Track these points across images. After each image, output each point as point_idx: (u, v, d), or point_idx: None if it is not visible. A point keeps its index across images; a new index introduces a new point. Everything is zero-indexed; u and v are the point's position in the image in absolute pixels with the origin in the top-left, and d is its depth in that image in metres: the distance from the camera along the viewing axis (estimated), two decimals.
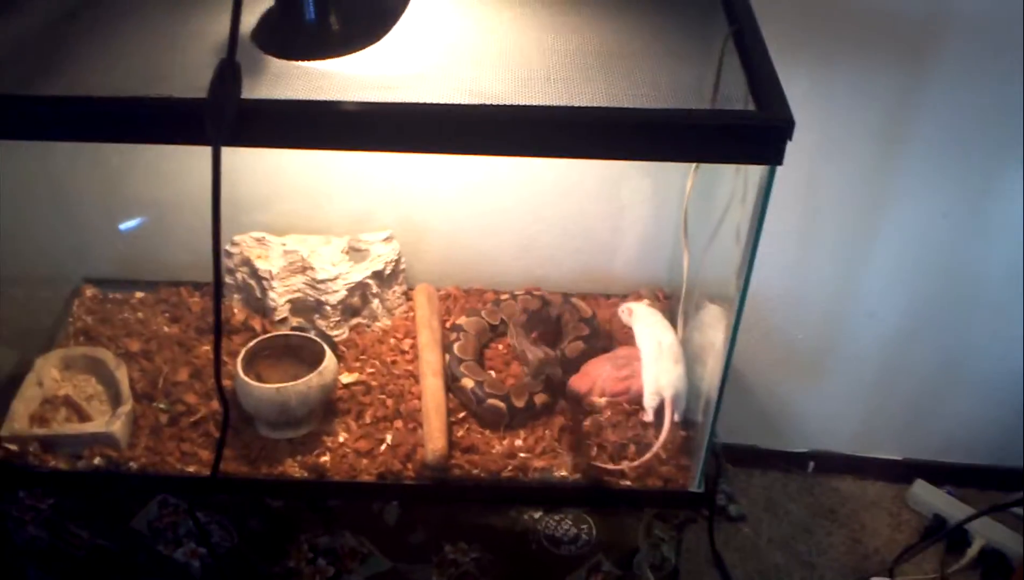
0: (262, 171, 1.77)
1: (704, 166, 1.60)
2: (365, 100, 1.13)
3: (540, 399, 1.63)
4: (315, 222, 1.83)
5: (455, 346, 1.70)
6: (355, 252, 1.78)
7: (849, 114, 1.69)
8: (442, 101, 1.13)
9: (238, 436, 1.58)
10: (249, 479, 1.54)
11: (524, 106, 1.13)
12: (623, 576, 1.59)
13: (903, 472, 2.22)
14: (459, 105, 1.13)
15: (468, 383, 1.63)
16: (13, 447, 1.54)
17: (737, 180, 1.39)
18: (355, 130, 1.13)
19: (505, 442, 1.59)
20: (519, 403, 1.61)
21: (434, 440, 1.54)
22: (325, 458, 1.56)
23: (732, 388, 1.46)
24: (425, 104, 1.12)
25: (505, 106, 1.13)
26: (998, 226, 1.83)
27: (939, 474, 2.20)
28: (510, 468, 1.55)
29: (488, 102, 1.14)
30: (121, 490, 1.57)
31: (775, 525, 2.13)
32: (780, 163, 1.14)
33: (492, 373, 1.69)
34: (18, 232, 1.72)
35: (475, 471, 1.54)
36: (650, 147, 1.14)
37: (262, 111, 1.12)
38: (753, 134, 1.12)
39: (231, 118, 1.09)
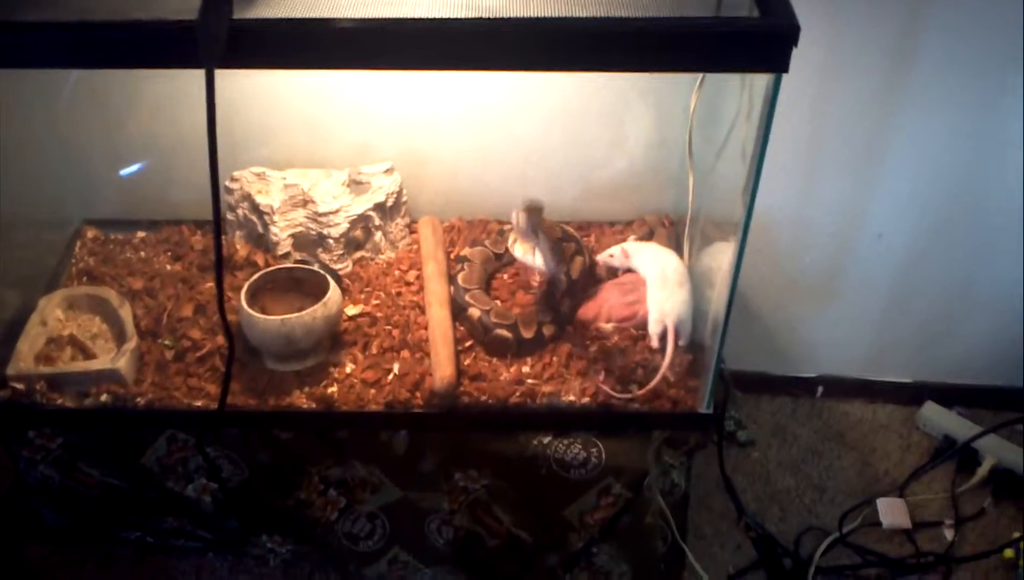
0: (259, 105, 1.75)
1: (708, 84, 1.57)
2: (360, 16, 1.11)
3: (548, 330, 1.62)
4: (315, 156, 1.81)
5: (460, 276, 1.69)
6: (356, 185, 1.76)
7: (857, 30, 1.65)
8: (439, 16, 1.11)
9: (244, 369, 1.58)
10: (257, 412, 1.54)
11: (523, 18, 1.11)
12: (633, 499, 1.60)
13: (913, 395, 2.21)
14: (457, 19, 1.11)
15: (475, 312, 1.63)
16: (20, 386, 1.54)
17: (742, 95, 1.37)
18: (351, 48, 1.11)
19: (512, 369, 1.59)
20: (527, 334, 1.60)
21: (442, 368, 1.53)
22: (332, 389, 1.55)
23: (739, 314, 1.45)
24: (422, 19, 1.10)
25: (504, 19, 1.11)
26: (1009, 144, 1.79)
27: (949, 396, 2.19)
28: (518, 394, 1.55)
29: (486, 15, 1.12)
30: (129, 426, 1.58)
31: (784, 450, 2.13)
32: (786, 70, 1.12)
33: (498, 302, 1.68)
34: (18, 174, 1.71)
35: (483, 398, 1.54)
36: (653, 57, 1.12)
37: (254, 31, 1.10)
38: (757, 40, 1.10)
39: (223, 39, 1.07)
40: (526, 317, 1.62)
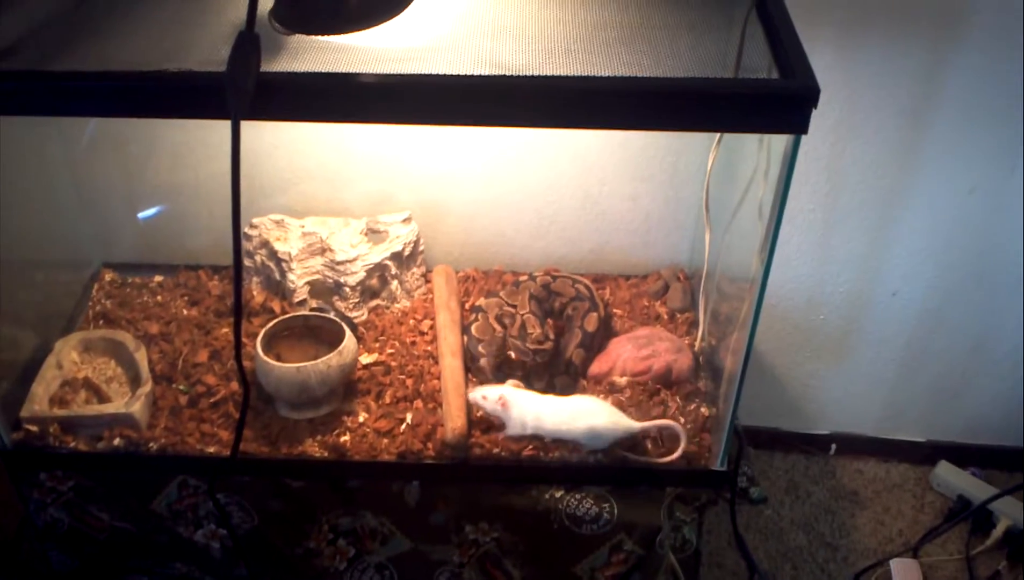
0: (280, 155, 1.77)
1: (725, 142, 1.58)
2: (384, 72, 1.12)
3: (561, 382, 1.62)
4: (334, 204, 1.82)
5: (473, 327, 1.69)
6: (374, 234, 1.77)
7: (874, 89, 1.67)
8: (462, 72, 1.12)
9: (258, 417, 1.58)
10: (269, 459, 1.54)
11: (545, 76, 1.13)
12: (646, 556, 1.58)
13: (927, 454, 2.20)
14: (479, 76, 1.13)
15: (487, 364, 1.63)
16: (33, 428, 1.54)
17: (760, 154, 1.37)
18: (375, 102, 1.13)
19: None
20: (539, 385, 1.60)
21: (453, 419, 1.53)
22: (345, 438, 1.55)
23: (753, 370, 1.45)
24: (445, 75, 1.12)
25: (526, 77, 1.12)
26: None
27: (964, 456, 2.18)
28: (530, 447, 1.54)
29: (508, 73, 1.13)
30: (141, 471, 1.57)
31: (797, 507, 2.12)
32: (805, 132, 1.12)
33: (512, 354, 1.68)
34: (38, 216, 1.73)
35: (495, 451, 1.53)
36: (673, 116, 1.13)
37: (281, 84, 1.12)
38: (778, 102, 1.11)
39: (250, 91, 1.08)
40: (538, 369, 1.62)
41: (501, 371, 1.63)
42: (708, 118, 1.15)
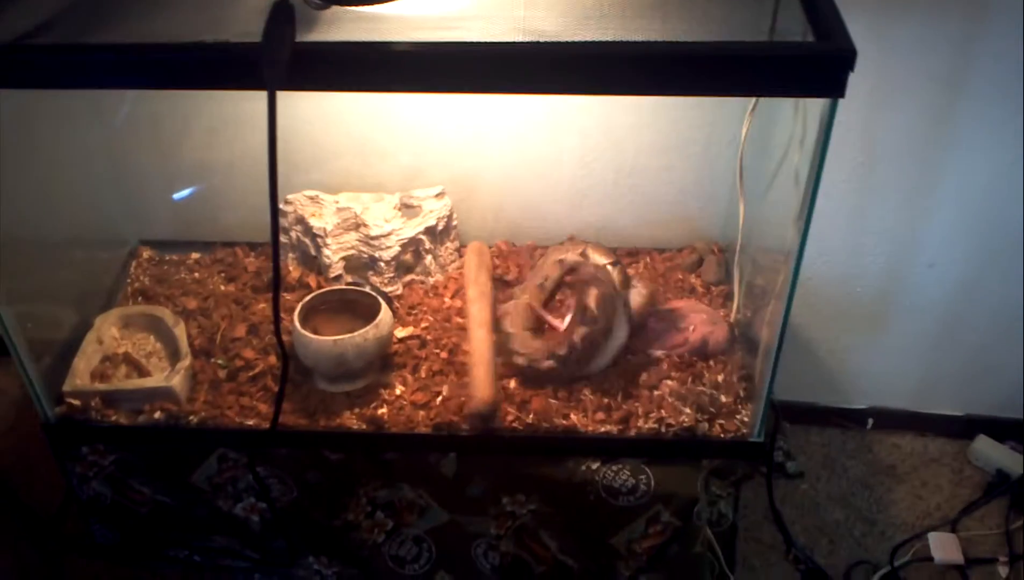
0: (313, 129, 1.77)
1: (759, 111, 1.57)
2: (418, 40, 1.12)
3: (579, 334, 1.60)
4: (367, 179, 1.83)
5: (506, 321, 1.68)
6: (407, 209, 1.78)
7: (909, 56, 1.65)
8: (497, 40, 1.12)
9: (296, 390, 1.59)
10: (308, 432, 1.55)
11: (581, 42, 1.12)
12: (682, 528, 1.58)
13: (965, 428, 2.17)
14: (515, 43, 1.12)
15: (520, 360, 1.63)
16: (76, 402, 1.56)
17: (796, 122, 1.36)
18: (409, 71, 1.13)
19: (561, 391, 1.58)
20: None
21: (480, 389, 1.53)
22: (382, 410, 1.56)
23: (788, 343, 1.44)
24: (479, 43, 1.12)
25: (561, 43, 1.12)
26: None
27: (1002, 430, 2.15)
28: (564, 418, 1.54)
29: (542, 39, 1.13)
30: (181, 444, 1.59)
31: (834, 482, 2.11)
32: (842, 95, 1.12)
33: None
34: (76, 195, 1.75)
35: (531, 421, 1.54)
36: (709, 82, 1.13)
37: (316, 54, 1.12)
38: (814, 65, 1.10)
39: (286, 61, 1.09)
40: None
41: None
42: (744, 82, 1.14)
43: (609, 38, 1.14)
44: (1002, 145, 1.75)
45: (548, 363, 1.59)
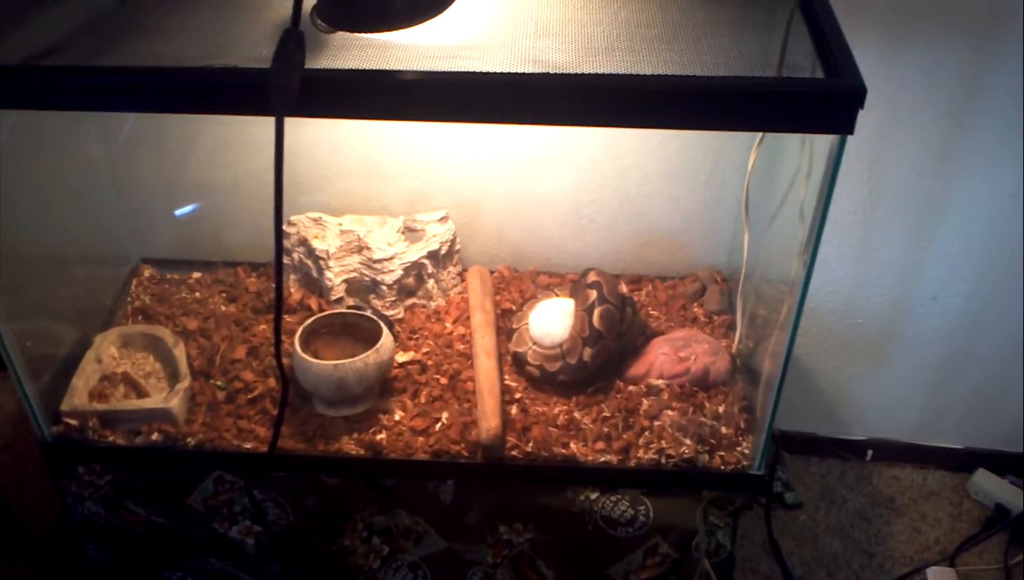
0: (317, 153, 1.78)
1: (766, 143, 1.57)
2: (427, 69, 1.12)
3: (587, 354, 1.61)
4: (371, 202, 1.83)
5: (515, 335, 1.68)
6: (411, 232, 1.78)
7: (917, 89, 1.65)
8: (505, 70, 1.12)
9: (295, 413, 1.58)
10: (306, 456, 1.54)
11: (589, 75, 1.12)
12: (681, 560, 1.57)
13: (965, 461, 2.17)
14: (523, 74, 1.12)
15: (534, 371, 1.63)
16: (73, 422, 1.55)
17: (802, 155, 1.36)
18: (418, 100, 1.13)
19: (560, 419, 1.57)
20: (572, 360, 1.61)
21: (488, 419, 1.53)
22: (381, 436, 1.55)
23: (789, 373, 1.43)
24: (488, 73, 1.11)
25: (568, 75, 1.12)
26: None
27: (1002, 464, 2.15)
28: (563, 446, 1.53)
29: (551, 71, 1.13)
30: (178, 466, 1.58)
31: (832, 513, 2.10)
32: (851, 132, 1.11)
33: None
34: (78, 212, 1.75)
35: (530, 450, 1.53)
36: (717, 116, 1.12)
37: (325, 81, 1.12)
38: (824, 101, 1.10)
39: (295, 88, 1.09)
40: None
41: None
42: (753, 117, 1.14)
43: (617, 71, 1.13)
44: (1006, 179, 1.76)
45: (562, 377, 1.62)
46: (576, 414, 1.59)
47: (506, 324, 1.75)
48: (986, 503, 2.12)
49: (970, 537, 2.05)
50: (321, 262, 1.73)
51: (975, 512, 2.12)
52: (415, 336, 1.73)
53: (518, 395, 1.63)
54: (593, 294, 1.61)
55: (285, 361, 1.55)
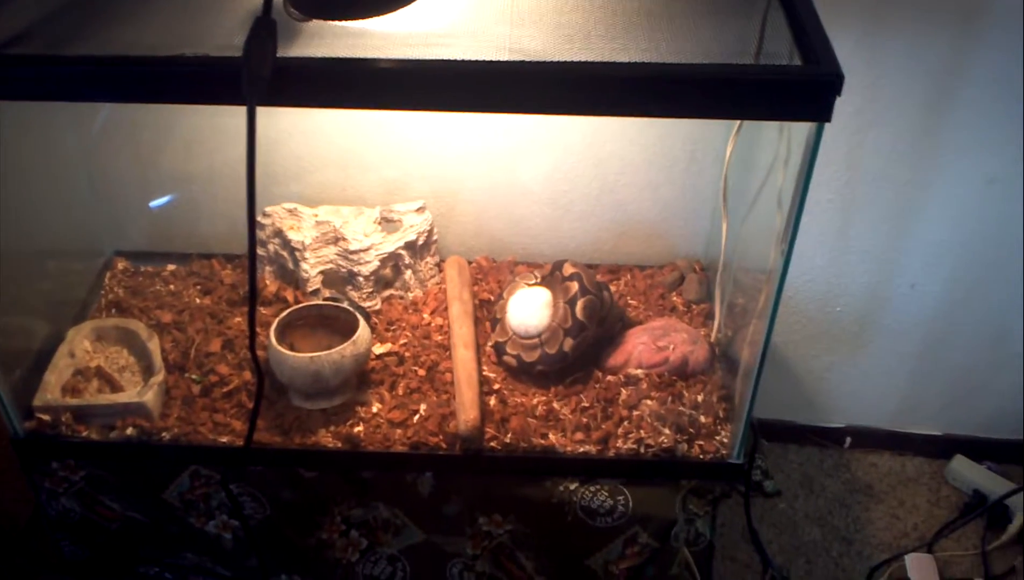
0: (293, 143, 1.76)
1: (744, 131, 1.57)
2: (402, 58, 1.11)
3: (568, 345, 1.60)
4: (347, 193, 1.81)
5: (499, 325, 1.68)
6: (387, 223, 1.76)
7: (895, 78, 1.65)
8: (482, 58, 1.11)
9: (271, 406, 1.57)
10: (282, 450, 1.53)
11: (566, 62, 1.11)
12: (659, 549, 1.57)
13: (943, 448, 2.18)
14: (499, 62, 1.11)
15: (512, 361, 1.63)
16: (45, 417, 1.53)
17: (780, 143, 1.36)
18: (392, 88, 1.11)
19: (539, 410, 1.57)
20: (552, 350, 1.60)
21: (466, 410, 1.52)
22: (359, 428, 1.54)
23: (767, 361, 1.43)
24: (464, 61, 1.10)
25: (546, 63, 1.11)
26: None
27: (980, 450, 2.16)
28: (542, 436, 1.53)
29: (526, 59, 1.12)
30: (153, 460, 1.56)
31: (811, 501, 2.10)
32: (829, 119, 1.11)
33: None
34: (51, 204, 1.72)
35: (509, 441, 1.52)
36: (695, 103, 1.11)
37: (298, 69, 1.10)
38: (801, 89, 1.09)
39: (267, 76, 1.07)
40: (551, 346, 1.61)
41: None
42: (730, 105, 1.13)
43: (595, 58, 1.13)
44: (984, 167, 1.76)
45: (540, 367, 1.61)
46: (555, 404, 1.59)
47: (484, 314, 1.74)
48: (964, 489, 2.13)
49: (948, 523, 2.06)
50: (297, 253, 1.71)
51: (953, 498, 2.13)
52: (392, 327, 1.72)
53: (496, 386, 1.62)
54: (575, 286, 1.60)
55: (260, 354, 1.53)
